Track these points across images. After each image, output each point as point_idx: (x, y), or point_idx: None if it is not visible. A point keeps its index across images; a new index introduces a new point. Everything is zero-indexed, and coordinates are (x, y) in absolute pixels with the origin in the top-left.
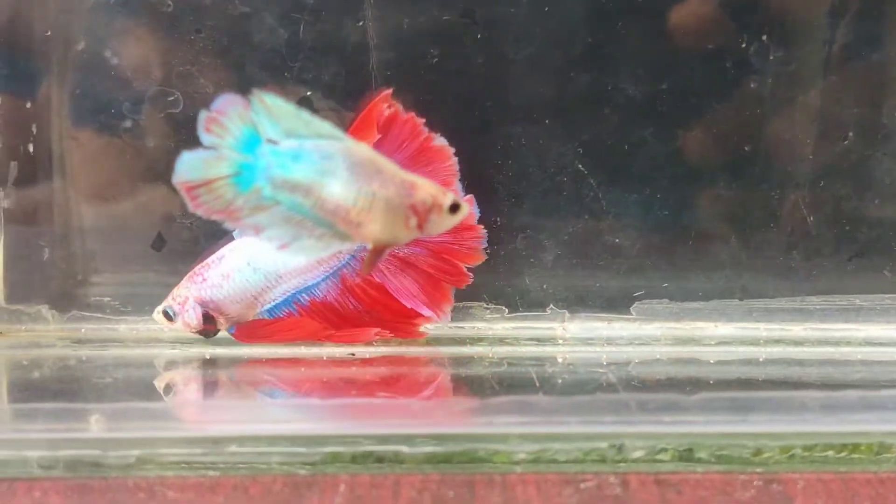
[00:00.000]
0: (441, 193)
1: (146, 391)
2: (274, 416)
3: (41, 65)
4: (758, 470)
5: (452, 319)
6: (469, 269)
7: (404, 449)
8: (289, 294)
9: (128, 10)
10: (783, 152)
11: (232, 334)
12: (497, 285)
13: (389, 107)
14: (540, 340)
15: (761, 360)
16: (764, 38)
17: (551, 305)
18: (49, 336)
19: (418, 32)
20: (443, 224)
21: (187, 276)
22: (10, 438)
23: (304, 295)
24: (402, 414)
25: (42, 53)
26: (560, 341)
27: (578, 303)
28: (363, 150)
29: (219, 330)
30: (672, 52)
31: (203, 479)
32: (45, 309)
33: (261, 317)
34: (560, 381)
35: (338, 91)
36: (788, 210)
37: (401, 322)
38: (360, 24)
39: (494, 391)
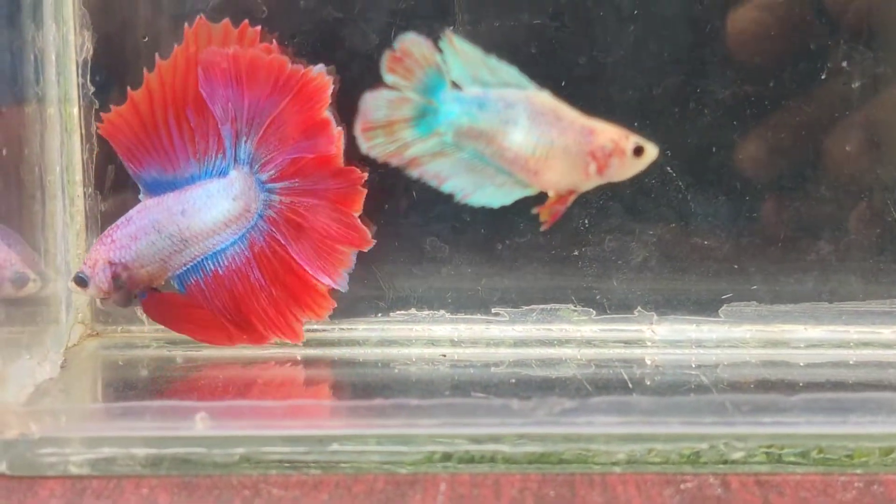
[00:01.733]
0: (623, 138)
1: (244, 390)
2: (374, 415)
3: (136, 72)
4: (858, 471)
5: (540, 322)
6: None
7: (505, 448)
8: (197, 259)
9: (223, 15)
10: (871, 154)
11: (142, 301)
12: (584, 287)
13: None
14: (628, 343)
15: (852, 362)
16: (853, 40)
17: (639, 308)
18: (144, 336)
19: (508, 36)
20: (626, 169)
21: (97, 239)
22: (116, 436)
23: (210, 262)
24: (502, 413)
25: (137, 61)
26: (648, 343)
27: (666, 305)
28: (544, 98)
29: (134, 296)
30: (761, 54)
31: (306, 477)
32: (139, 310)
33: (172, 286)
34: (650, 382)
35: None
36: (877, 212)
37: (303, 295)
38: (451, 28)
39: (588, 392)
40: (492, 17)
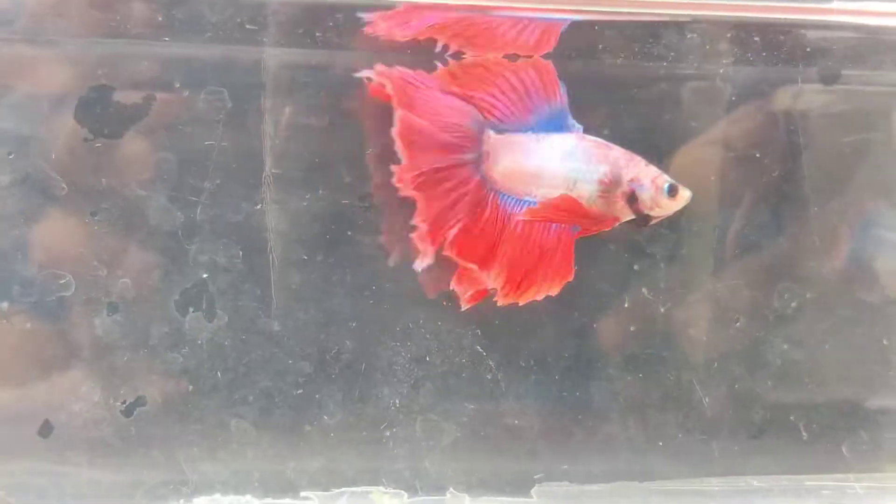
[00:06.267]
0: None
1: None
2: None
3: None
4: None
5: None
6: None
7: None
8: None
9: (20, 192)
10: (677, 334)
11: None
12: (396, 469)
13: None
14: None
15: None
16: (659, 224)
17: (451, 489)
18: None
19: (316, 215)
20: None
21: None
22: None
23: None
24: None
25: None
26: None
27: (479, 486)
28: None
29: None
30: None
31: None
32: None
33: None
34: None
35: (235, 273)
36: (684, 392)
37: None
38: (258, 206)
39: None
40: (301, 197)
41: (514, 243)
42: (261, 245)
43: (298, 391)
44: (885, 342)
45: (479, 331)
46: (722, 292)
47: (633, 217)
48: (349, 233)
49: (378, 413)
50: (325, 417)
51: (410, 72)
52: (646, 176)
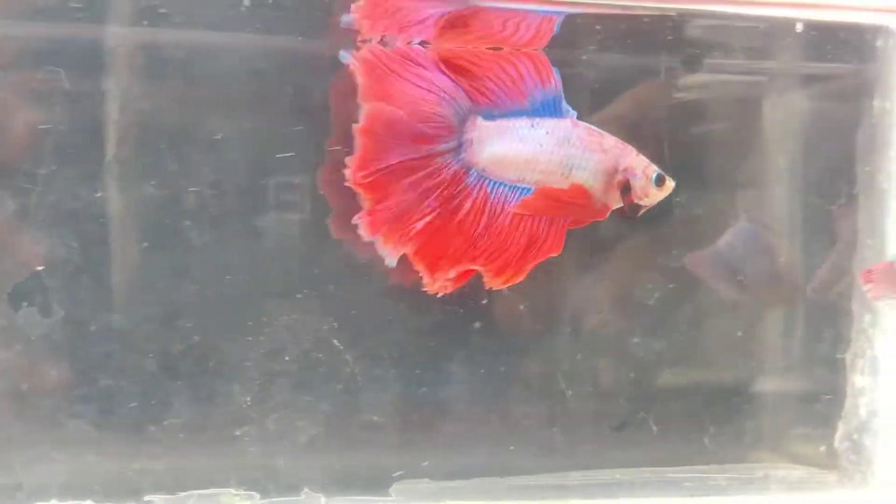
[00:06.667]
0: None
1: None
2: None
3: None
4: None
5: None
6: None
7: None
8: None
9: None
10: (539, 326)
11: None
12: (247, 469)
13: None
14: None
15: None
16: None
17: (306, 489)
18: None
19: (162, 203)
20: None
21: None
22: None
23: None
24: None
25: None
26: None
27: (336, 485)
28: None
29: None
30: None
31: None
32: None
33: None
34: None
35: (73, 265)
36: (547, 384)
37: None
38: (98, 194)
39: None
40: (147, 184)
41: (505, 228)
42: (101, 235)
43: (141, 389)
44: (739, 334)
45: (336, 324)
46: (586, 283)
47: (620, 206)
48: (197, 221)
49: (228, 411)
50: (171, 417)
51: (408, 48)
52: (637, 165)
